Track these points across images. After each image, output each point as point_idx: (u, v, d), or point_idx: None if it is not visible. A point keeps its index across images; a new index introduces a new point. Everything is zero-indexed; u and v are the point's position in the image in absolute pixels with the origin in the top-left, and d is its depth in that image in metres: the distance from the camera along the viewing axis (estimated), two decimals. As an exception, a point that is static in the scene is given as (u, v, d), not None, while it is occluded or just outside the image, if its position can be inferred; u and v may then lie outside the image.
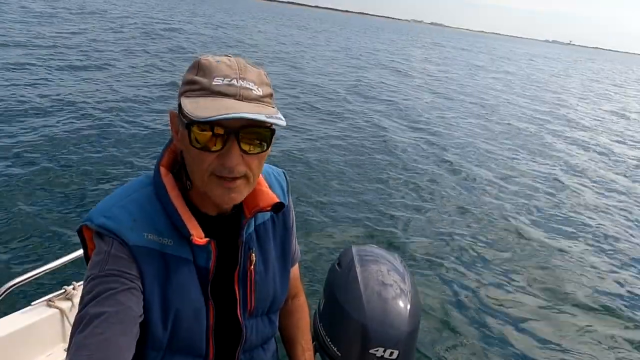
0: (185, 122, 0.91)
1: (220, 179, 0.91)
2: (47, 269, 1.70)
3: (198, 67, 0.91)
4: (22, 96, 8.67)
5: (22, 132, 6.78)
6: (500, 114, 14.31)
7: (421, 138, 10.27)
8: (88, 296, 0.91)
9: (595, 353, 3.78)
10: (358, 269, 1.85)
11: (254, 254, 1.10)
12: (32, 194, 4.92)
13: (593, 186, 8.41)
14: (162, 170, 1.01)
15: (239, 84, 0.88)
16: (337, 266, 1.94)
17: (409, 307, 1.73)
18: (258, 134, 0.91)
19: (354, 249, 1.98)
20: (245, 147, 0.91)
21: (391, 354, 1.63)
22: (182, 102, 0.90)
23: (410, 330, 1.68)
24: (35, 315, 1.73)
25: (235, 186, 0.92)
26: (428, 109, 13.47)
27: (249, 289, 1.10)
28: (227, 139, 0.89)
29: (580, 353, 3.74)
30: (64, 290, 1.83)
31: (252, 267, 1.10)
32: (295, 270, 1.40)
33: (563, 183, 8.26)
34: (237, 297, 1.09)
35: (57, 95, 9.16)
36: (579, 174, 9.03)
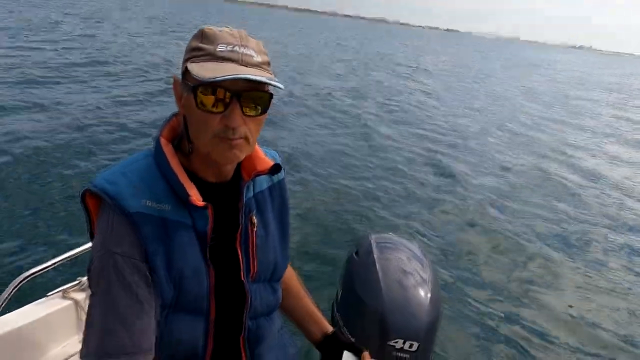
0: (191, 86, 0.98)
1: (223, 139, 0.99)
2: (61, 260, 1.72)
3: (202, 36, 1.01)
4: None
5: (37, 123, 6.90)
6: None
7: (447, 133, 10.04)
8: (99, 287, 0.97)
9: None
10: (377, 257, 1.83)
11: (255, 217, 1.15)
12: (46, 185, 5.00)
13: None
14: (163, 140, 1.07)
15: (241, 51, 0.98)
16: (354, 255, 1.92)
17: (429, 296, 1.71)
18: (258, 97, 1.00)
19: (373, 237, 1.95)
20: (246, 110, 0.99)
21: (411, 345, 1.61)
22: (188, 67, 0.98)
23: (431, 320, 1.65)
24: (50, 306, 1.75)
25: (237, 144, 1.00)
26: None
27: (251, 252, 1.14)
28: (230, 101, 0.97)
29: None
30: (78, 282, 1.85)
31: (254, 230, 1.14)
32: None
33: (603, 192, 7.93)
34: (240, 260, 1.12)
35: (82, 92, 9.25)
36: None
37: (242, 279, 1.12)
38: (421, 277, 1.78)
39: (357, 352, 1.31)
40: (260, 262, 1.16)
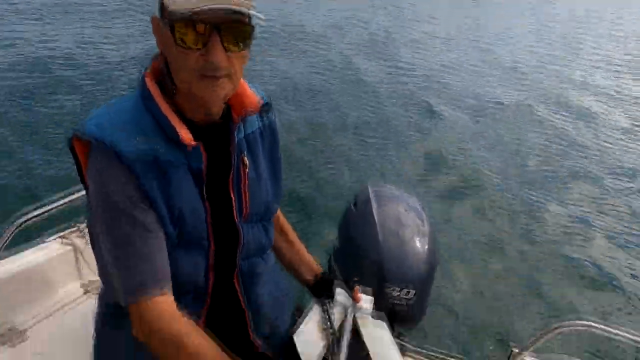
0: (168, 21, 0.96)
1: (204, 77, 0.97)
2: (58, 205, 1.72)
3: None
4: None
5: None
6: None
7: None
8: (107, 231, 1.00)
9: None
10: (375, 208, 1.85)
11: (246, 158, 1.16)
12: (41, 129, 4.92)
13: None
14: (148, 80, 1.06)
15: None
16: (353, 206, 1.93)
17: (426, 247, 1.74)
18: (239, 30, 0.97)
19: (371, 188, 1.96)
20: (228, 45, 0.96)
21: (407, 293, 1.66)
22: (164, 1, 0.96)
23: (427, 270, 1.70)
24: (49, 251, 1.77)
25: (220, 83, 0.99)
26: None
27: (243, 193, 1.15)
28: (210, 35, 0.94)
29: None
30: (76, 228, 1.86)
31: (246, 171, 1.15)
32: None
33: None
34: (233, 201, 1.13)
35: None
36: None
37: (235, 219, 1.14)
38: (419, 228, 1.81)
39: (348, 287, 1.34)
40: (252, 203, 1.17)
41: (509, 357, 1.49)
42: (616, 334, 1.23)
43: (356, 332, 1.28)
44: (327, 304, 1.30)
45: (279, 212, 1.47)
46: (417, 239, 1.77)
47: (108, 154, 0.97)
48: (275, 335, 1.32)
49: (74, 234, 1.85)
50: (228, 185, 1.13)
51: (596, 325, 1.24)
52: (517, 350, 1.47)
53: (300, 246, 1.46)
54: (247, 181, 1.16)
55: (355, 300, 1.33)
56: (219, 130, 1.12)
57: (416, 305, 1.68)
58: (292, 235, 1.46)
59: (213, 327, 1.09)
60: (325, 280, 1.40)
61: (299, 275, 1.43)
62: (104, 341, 1.23)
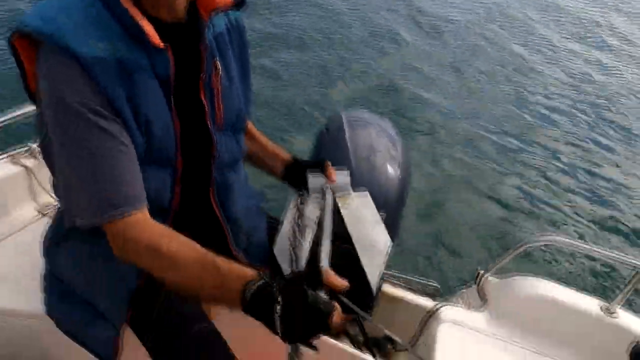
0: None
1: None
2: (3, 121, 1.58)
3: None
4: None
5: None
6: None
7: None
8: (66, 144, 0.91)
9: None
10: (347, 134, 1.81)
11: (218, 62, 1.09)
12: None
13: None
14: None
15: None
16: (325, 131, 1.89)
17: (398, 173, 1.73)
18: None
19: (344, 114, 1.91)
20: None
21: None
22: None
23: (398, 194, 1.70)
24: (-1, 171, 1.66)
25: None
26: None
27: (216, 99, 1.10)
28: None
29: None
30: (27, 147, 1.73)
31: (218, 75, 1.09)
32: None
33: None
34: (205, 109, 1.07)
35: None
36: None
37: (209, 128, 1.09)
38: (391, 154, 1.79)
39: (319, 166, 1.30)
40: (225, 110, 1.12)
41: (475, 279, 1.53)
42: (582, 248, 1.27)
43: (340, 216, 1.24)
44: (303, 197, 1.25)
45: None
46: (389, 164, 1.75)
47: (59, 53, 0.87)
48: (252, 246, 1.31)
49: (24, 155, 1.73)
50: (199, 91, 1.06)
51: (561, 239, 1.28)
52: (482, 272, 1.50)
53: (266, 141, 1.41)
54: (219, 87, 1.09)
55: (330, 179, 1.28)
56: (185, 30, 1.03)
57: (388, 226, 1.68)
58: (257, 133, 1.40)
59: None
60: (297, 164, 1.36)
61: (270, 168, 1.39)
62: (53, 261, 1.19)
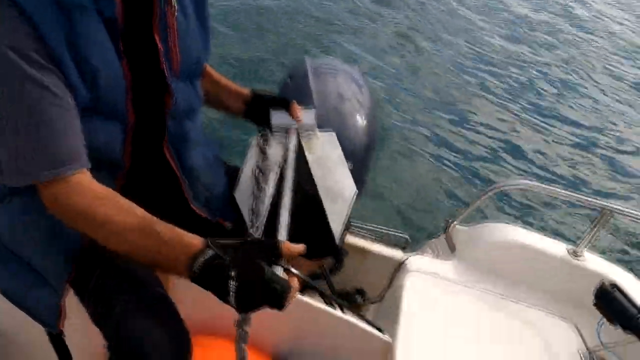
0: None
1: None
2: None
3: None
4: None
5: None
6: None
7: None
8: (5, 105, 0.82)
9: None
10: (312, 83, 1.72)
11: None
12: None
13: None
14: None
15: None
16: (288, 80, 1.80)
17: (366, 121, 1.67)
18: None
19: (308, 61, 1.81)
20: None
21: (345, 166, 1.60)
22: None
23: (366, 143, 1.64)
24: None
25: None
26: None
27: (171, 41, 1.00)
28: None
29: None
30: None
31: (174, 14, 0.99)
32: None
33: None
34: (160, 52, 0.98)
35: None
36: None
37: (165, 73, 0.99)
38: (359, 102, 1.71)
39: (283, 104, 1.23)
40: (183, 53, 1.02)
41: (445, 228, 1.50)
42: (549, 191, 1.24)
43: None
44: (265, 136, 1.18)
45: None
46: (357, 113, 1.68)
47: None
48: (213, 199, 1.25)
49: None
50: (152, 33, 0.96)
51: (529, 182, 1.25)
52: (451, 220, 1.47)
53: (225, 81, 1.32)
54: (175, 27, 0.99)
55: (295, 118, 1.21)
56: None
57: (355, 177, 1.63)
58: (210, 69, 1.30)
59: (144, 202, 0.96)
60: (260, 100, 1.28)
61: (228, 106, 1.31)
62: None
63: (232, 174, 1.25)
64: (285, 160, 1.14)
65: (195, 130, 1.16)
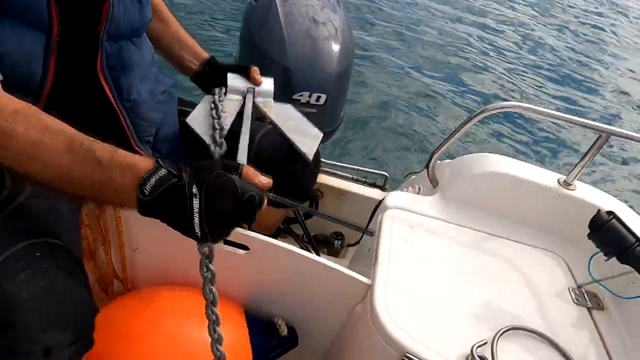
0: None
1: None
2: None
3: None
4: None
5: None
6: None
7: None
8: None
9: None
10: (279, 3, 1.55)
11: None
12: None
13: None
14: None
15: None
16: (253, 1, 1.62)
17: (339, 47, 1.52)
18: None
19: (275, -21, 1.63)
20: None
21: (318, 98, 1.47)
22: None
23: (341, 71, 1.50)
24: None
25: None
26: None
27: None
28: None
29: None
30: None
31: None
32: None
33: None
34: None
35: None
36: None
37: None
38: (333, 26, 1.56)
39: (243, 72, 1.14)
40: None
41: (428, 160, 1.39)
42: (540, 113, 1.14)
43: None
44: (219, 93, 1.09)
45: None
46: (331, 37, 1.53)
47: None
48: (161, 140, 1.12)
49: None
50: None
51: (519, 104, 1.14)
52: (434, 152, 1.36)
53: (178, 27, 1.20)
54: None
55: (255, 82, 1.12)
56: None
57: (329, 110, 1.52)
58: (166, 12, 1.18)
59: None
60: (215, 67, 1.18)
61: (180, 63, 1.20)
62: None
63: (187, 112, 1.12)
64: (241, 114, 1.07)
65: (140, 58, 1.01)
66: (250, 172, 0.72)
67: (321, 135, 1.09)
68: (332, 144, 1.73)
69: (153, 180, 0.66)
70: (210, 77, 1.16)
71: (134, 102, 1.01)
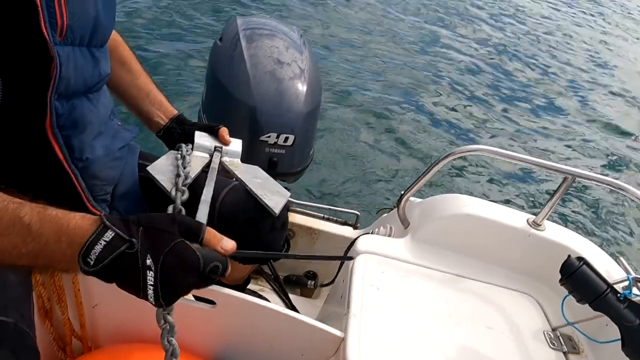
0: None
1: None
2: None
3: None
4: None
5: None
6: None
7: None
8: None
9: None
10: (244, 44, 1.54)
11: None
12: None
13: None
14: None
15: None
16: (218, 41, 1.61)
17: (306, 87, 1.51)
18: None
19: (239, 21, 1.64)
20: None
21: (286, 139, 1.45)
22: None
23: (308, 112, 1.49)
24: None
25: None
26: None
27: None
28: None
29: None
30: None
31: None
32: None
33: None
34: (38, 5, 0.78)
35: None
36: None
37: (44, 34, 0.78)
38: (298, 66, 1.56)
39: (211, 131, 1.13)
40: (72, 12, 0.83)
41: (398, 200, 1.38)
42: (507, 156, 1.15)
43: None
44: (186, 148, 1.07)
45: (117, 36, 1.14)
46: (297, 79, 1.53)
47: None
48: (118, 198, 1.06)
49: None
50: None
51: (486, 148, 1.14)
52: (403, 193, 1.36)
53: (146, 79, 1.17)
54: None
55: (223, 141, 1.11)
56: None
57: (298, 150, 1.50)
58: (135, 64, 1.15)
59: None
60: (183, 123, 1.15)
61: (148, 118, 1.16)
62: None
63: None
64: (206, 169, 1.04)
65: (96, 115, 0.96)
66: (212, 236, 0.67)
67: (288, 194, 1.08)
68: (301, 183, 1.71)
69: (98, 248, 0.59)
70: (178, 134, 1.13)
71: (87, 160, 0.95)
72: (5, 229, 0.61)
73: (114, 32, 1.12)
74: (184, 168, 0.98)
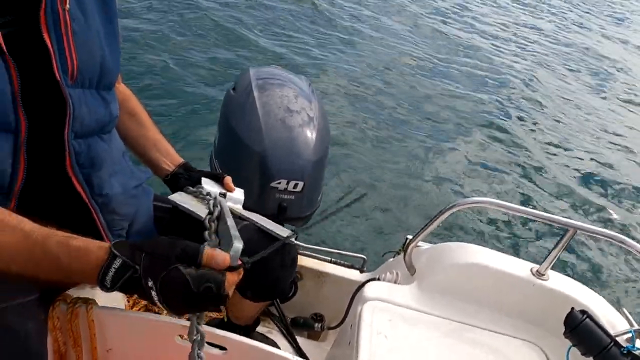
0: None
1: None
2: None
3: None
4: None
5: None
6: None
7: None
8: None
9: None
10: (257, 94, 1.62)
11: None
12: None
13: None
14: None
15: None
16: (232, 91, 1.69)
17: (315, 134, 1.58)
18: None
19: (252, 71, 1.72)
20: None
21: (295, 185, 1.51)
22: None
23: (317, 159, 1.55)
24: None
25: None
26: None
27: (65, 41, 0.88)
28: None
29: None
30: None
31: (66, 9, 0.88)
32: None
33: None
34: (51, 52, 0.86)
35: None
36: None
37: (57, 78, 0.87)
38: (307, 115, 1.63)
39: (216, 179, 1.20)
40: (80, 57, 0.91)
41: (403, 246, 1.42)
42: (511, 209, 1.19)
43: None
44: (188, 190, 1.13)
45: (126, 90, 1.22)
46: (306, 126, 1.60)
47: None
48: (134, 233, 1.12)
49: None
50: (39, 23, 0.84)
51: (490, 200, 1.19)
52: (409, 240, 1.40)
53: (154, 130, 1.24)
54: (69, 21, 0.88)
55: (227, 189, 1.17)
56: None
57: (306, 196, 1.55)
58: (145, 117, 1.23)
59: None
60: (189, 170, 1.22)
61: (154, 164, 1.22)
62: None
63: (162, 208, 1.14)
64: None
65: (110, 154, 1.04)
66: (210, 257, 0.71)
67: (292, 234, 1.11)
68: (309, 226, 1.76)
69: (110, 273, 0.72)
70: (184, 179, 1.19)
71: (106, 196, 1.02)
72: (37, 257, 0.74)
73: (123, 85, 1.23)
74: (211, 200, 1.02)
